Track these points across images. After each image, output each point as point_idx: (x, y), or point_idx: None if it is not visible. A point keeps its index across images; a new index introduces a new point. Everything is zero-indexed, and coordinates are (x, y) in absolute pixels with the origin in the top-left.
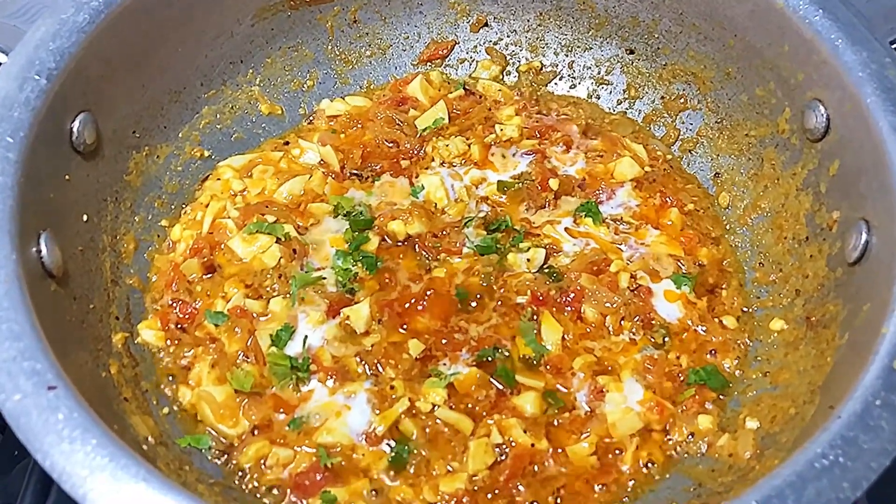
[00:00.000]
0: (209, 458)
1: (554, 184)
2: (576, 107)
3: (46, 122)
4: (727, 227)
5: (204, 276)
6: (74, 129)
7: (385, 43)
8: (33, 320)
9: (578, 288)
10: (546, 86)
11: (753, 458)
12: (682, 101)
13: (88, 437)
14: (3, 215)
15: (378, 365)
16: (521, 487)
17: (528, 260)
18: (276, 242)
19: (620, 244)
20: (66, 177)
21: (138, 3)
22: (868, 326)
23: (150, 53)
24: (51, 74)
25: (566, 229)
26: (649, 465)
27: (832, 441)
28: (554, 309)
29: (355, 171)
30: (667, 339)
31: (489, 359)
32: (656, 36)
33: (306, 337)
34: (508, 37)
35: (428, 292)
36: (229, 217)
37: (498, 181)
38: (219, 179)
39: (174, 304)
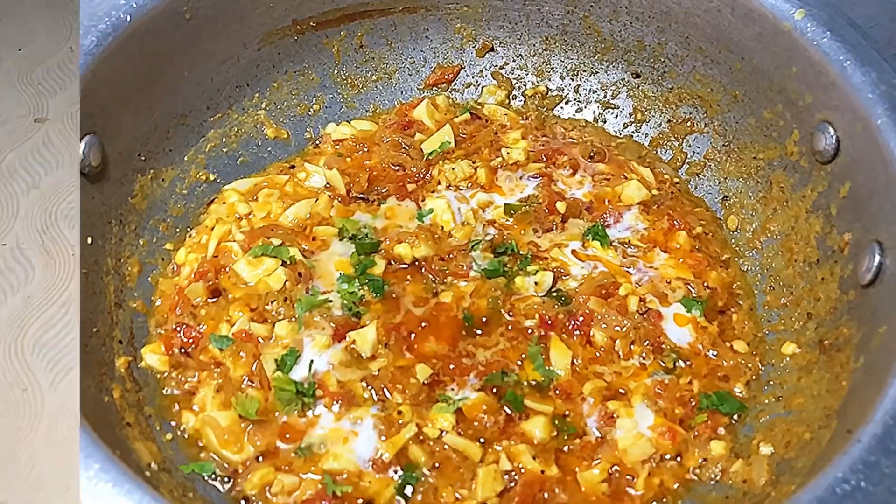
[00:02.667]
0: (213, 484)
1: (561, 207)
2: (582, 130)
3: None
4: (736, 250)
5: (209, 300)
6: (80, 152)
7: (391, 67)
8: None
9: (587, 311)
10: (552, 110)
11: (768, 485)
12: (688, 124)
13: (91, 462)
14: None
15: (385, 390)
16: None
17: (536, 283)
18: (282, 265)
19: (629, 267)
20: None
21: (146, 27)
22: (884, 349)
23: (157, 76)
24: None
25: (574, 252)
26: (662, 491)
27: (853, 465)
28: (563, 333)
29: (361, 195)
30: (677, 363)
31: (498, 383)
32: (662, 60)
33: (312, 361)
34: (514, 61)
35: (435, 316)
36: (234, 240)
37: (505, 204)
38: (224, 203)
39: (178, 328)
